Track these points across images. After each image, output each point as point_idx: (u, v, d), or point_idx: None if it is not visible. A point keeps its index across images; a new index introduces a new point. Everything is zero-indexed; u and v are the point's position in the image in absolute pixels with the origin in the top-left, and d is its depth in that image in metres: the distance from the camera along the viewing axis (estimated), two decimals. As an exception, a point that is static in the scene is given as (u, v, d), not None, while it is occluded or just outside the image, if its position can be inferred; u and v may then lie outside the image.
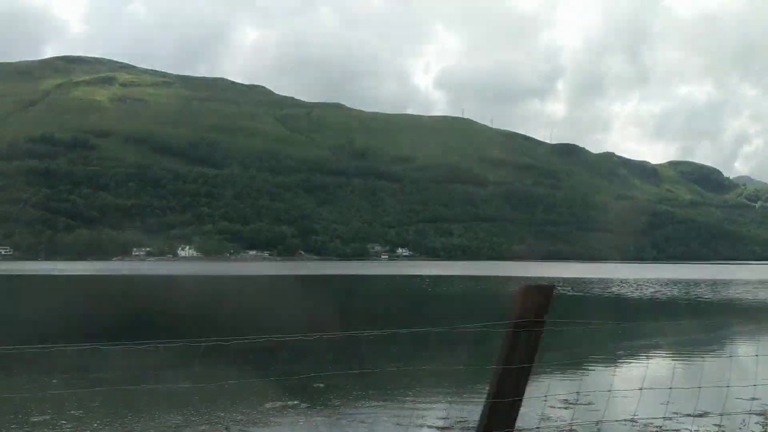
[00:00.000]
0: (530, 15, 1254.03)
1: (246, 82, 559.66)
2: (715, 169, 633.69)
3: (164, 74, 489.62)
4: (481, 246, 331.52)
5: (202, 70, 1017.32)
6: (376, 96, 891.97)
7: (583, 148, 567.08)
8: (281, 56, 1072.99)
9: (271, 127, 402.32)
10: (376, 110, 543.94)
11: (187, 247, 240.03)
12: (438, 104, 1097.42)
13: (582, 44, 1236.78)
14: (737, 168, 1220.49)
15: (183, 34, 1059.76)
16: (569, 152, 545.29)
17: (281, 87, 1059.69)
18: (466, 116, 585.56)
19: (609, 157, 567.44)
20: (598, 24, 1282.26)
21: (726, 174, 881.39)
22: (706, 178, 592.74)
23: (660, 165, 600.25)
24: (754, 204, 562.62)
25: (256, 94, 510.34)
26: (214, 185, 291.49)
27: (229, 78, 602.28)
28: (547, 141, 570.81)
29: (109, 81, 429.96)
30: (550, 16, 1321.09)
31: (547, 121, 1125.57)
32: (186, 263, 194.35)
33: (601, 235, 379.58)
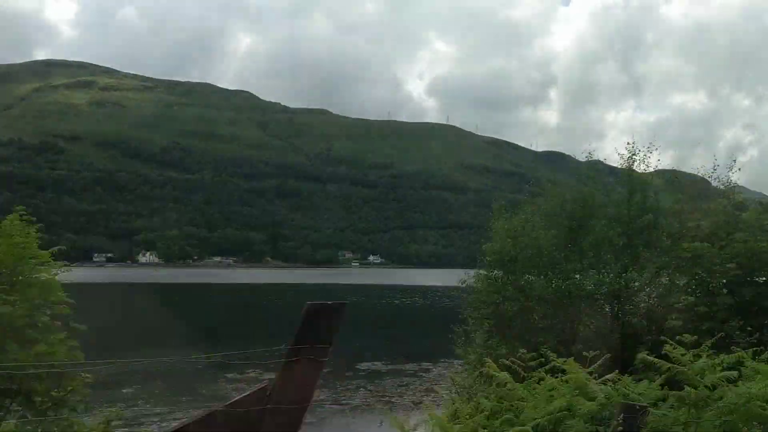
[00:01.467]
0: (524, 23, 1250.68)
1: (238, 88, 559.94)
2: (701, 178, 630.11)
3: (146, 78, 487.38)
4: (456, 253, 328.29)
5: (193, 76, 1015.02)
6: (368, 103, 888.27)
7: (570, 156, 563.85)
8: (274, 62, 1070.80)
9: (250, 133, 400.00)
10: (369, 117, 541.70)
11: (148, 253, 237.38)
12: (430, 111, 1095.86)
13: (576, 53, 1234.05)
14: (732, 178, 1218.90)
15: (175, 39, 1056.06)
16: (555, 160, 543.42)
17: (271, 92, 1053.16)
18: (454, 123, 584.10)
19: (595, 165, 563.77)
20: (592, 33, 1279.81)
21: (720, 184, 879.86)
22: (692, 187, 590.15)
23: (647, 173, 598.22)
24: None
25: (240, 99, 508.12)
26: (183, 190, 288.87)
27: (219, 84, 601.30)
28: (534, 149, 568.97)
29: (89, 85, 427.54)
30: (544, 25, 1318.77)
31: (542, 129, 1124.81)
32: (133, 270, 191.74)
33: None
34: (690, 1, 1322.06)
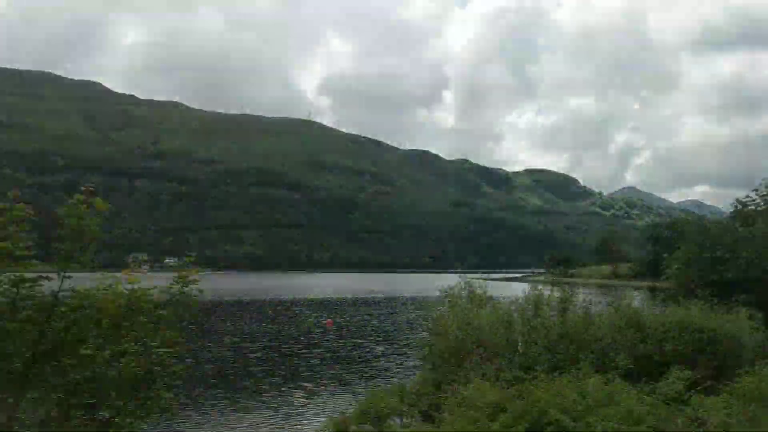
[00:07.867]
0: (418, 25, 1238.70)
1: (97, 80, 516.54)
2: (570, 177, 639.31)
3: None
4: (275, 254, 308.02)
5: (68, 70, 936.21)
6: (252, 99, 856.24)
7: (436, 155, 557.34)
8: (157, 56, 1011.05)
9: (68, 124, 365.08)
10: (239, 113, 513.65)
11: None
12: (323, 111, 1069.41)
13: (470, 55, 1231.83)
14: (628, 179, 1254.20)
15: (52, 31, 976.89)
16: (421, 159, 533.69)
17: (135, 86, 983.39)
18: (322, 121, 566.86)
19: (461, 164, 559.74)
20: (486, 36, 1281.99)
21: (615, 185, 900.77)
22: (560, 187, 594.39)
23: (514, 173, 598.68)
24: (606, 213, 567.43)
25: (83, 90, 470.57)
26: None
27: (74, 76, 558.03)
28: (402, 147, 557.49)
29: None
30: (437, 27, 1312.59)
31: (439, 130, 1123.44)
32: None
33: (416, 243, 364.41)
34: (577, 5, 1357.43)
